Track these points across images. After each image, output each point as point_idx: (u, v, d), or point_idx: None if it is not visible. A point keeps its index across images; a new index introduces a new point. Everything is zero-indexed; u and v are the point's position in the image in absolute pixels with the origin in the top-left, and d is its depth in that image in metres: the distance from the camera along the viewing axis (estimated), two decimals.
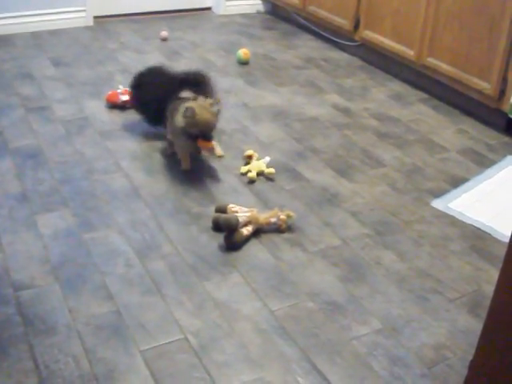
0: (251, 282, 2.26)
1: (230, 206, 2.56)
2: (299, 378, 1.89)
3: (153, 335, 2.00)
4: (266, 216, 2.51)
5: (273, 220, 2.52)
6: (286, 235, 2.54)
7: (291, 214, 2.55)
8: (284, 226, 2.54)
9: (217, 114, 2.80)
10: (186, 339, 1.99)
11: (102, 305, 2.11)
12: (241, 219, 2.43)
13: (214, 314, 2.11)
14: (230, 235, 2.41)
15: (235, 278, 2.28)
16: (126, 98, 3.44)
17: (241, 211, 2.52)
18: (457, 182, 3.01)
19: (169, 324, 2.05)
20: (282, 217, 2.53)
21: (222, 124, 3.37)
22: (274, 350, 1.98)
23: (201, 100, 2.79)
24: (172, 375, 1.87)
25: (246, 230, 2.45)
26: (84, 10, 4.71)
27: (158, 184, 2.81)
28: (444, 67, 3.75)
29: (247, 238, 2.47)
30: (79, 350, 1.92)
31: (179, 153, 2.90)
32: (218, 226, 2.48)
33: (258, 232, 2.51)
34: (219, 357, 1.94)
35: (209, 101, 2.79)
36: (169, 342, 1.98)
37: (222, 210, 2.55)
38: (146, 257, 2.35)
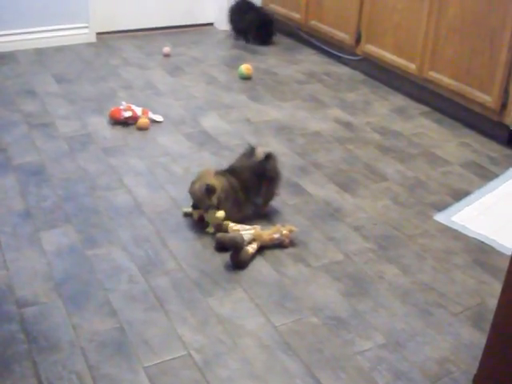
0: (254, 298, 2.26)
1: (231, 225, 2.55)
2: None
3: (156, 351, 2.00)
4: (268, 232, 2.52)
5: (276, 236, 2.52)
6: (288, 250, 2.54)
7: (293, 228, 2.55)
8: (287, 241, 2.54)
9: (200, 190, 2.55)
10: (190, 355, 1.99)
11: (105, 321, 2.11)
12: (245, 237, 2.43)
13: (218, 329, 2.11)
14: (236, 254, 2.41)
15: (238, 294, 2.28)
16: (128, 114, 3.45)
17: (243, 229, 2.51)
18: (460, 195, 3.01)
19: (172, 340, 2.05)
20: (285, 232, 2.53)
21: (225, 139, 3.38)
22: (278, 365, 1.98)
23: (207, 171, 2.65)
24: None
25: (252, 248, 2.45)
26: (87, 27, 4.74)
27: (161, 200, 2.81)
28: (445, 80, 3.76)
29: (253, 256, 2.47)
30: (83, 367, 1.92)
31: None
32: (222, 246, 2.47)
33: (261, 248, 2.51)
34: (223, 373, 1.94)
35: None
36: (172, 358, 1.97)
37: (222, 229, 2.54)
38: (150, 273, 2.35)
